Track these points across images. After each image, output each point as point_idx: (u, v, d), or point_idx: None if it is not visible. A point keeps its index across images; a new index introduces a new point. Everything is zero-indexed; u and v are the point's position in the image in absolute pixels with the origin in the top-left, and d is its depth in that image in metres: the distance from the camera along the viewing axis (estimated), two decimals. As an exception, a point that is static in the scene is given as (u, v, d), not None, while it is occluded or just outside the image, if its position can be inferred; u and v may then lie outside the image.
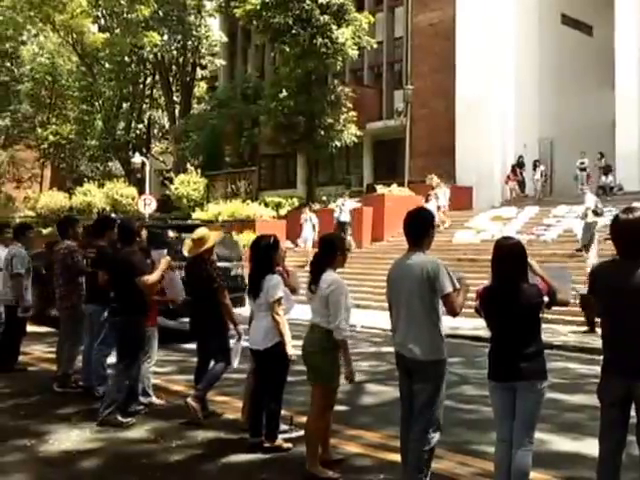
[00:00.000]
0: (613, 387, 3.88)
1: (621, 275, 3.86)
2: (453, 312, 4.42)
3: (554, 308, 4.55)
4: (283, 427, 5.82)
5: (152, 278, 6.47)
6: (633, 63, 23.69)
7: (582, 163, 24.67)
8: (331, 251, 5.12)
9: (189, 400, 6.28)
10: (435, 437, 4.48)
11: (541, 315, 4.32)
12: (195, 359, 6.84)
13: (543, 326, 4.39)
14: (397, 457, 5.09)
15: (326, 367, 5.00)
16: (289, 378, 5.83)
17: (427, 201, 21.20)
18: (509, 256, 4.25)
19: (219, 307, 6.36)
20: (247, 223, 22.20)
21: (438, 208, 21.22)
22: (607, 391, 3.94)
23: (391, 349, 4.79)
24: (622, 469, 3.93)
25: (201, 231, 6.76)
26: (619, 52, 23.95)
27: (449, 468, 5.02)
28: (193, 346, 9.36)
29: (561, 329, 12.64)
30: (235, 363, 6.42)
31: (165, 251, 7.18)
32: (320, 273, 5.02)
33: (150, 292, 6.58)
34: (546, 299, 4.21)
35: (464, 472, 5.13)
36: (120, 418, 6.33)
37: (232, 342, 6.45)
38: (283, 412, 5.86)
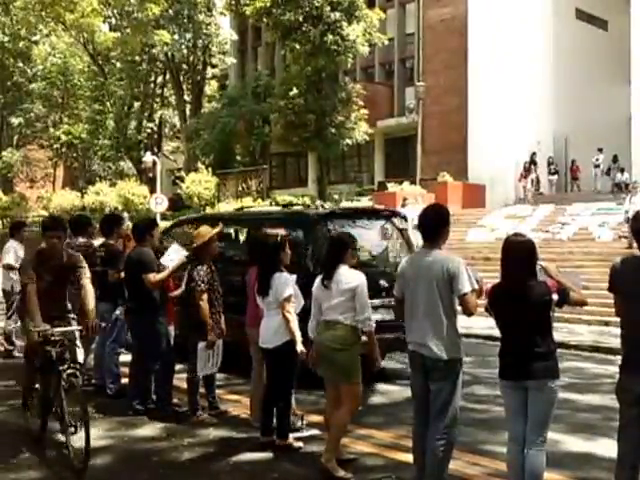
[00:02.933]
0: (632, 386, 3.85)
1: (636, 269, 3.85)
2: (469, 312, 4.41)
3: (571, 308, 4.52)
4: (297, 424, 5.83)
5: (158, 277, 6.53)
6: (649, 58, 23.52)
7: (597, 160, 24.54)
8: (342, 248, 5.14)
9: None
10: (455, 434, 4.52)
11: (555, 314, 4.28)
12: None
13: (559, 325, 4.36)
14: (408, 457, 5.09)
15: (354, 362, 5.04)
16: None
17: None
18: (517, 253, 4.23)
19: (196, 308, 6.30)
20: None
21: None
22: (626, 390, 3.91)
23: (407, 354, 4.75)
24: None
25: (202, 228, 6.76)
26: (635, 47, 23.78)
27: (460, 468, 5.01)
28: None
29: (577, 329, 12.57)
30: (199, 370, 6.35)
31: (182, 248, 7.14)
32: (333, 269, 5.04)
33: (167, 286, 6.67)
34: (555, 297, 4.17)
35: (475, 472, 5.12)
36: (177, 409, 6.59)
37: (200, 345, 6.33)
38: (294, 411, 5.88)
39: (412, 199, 21.56)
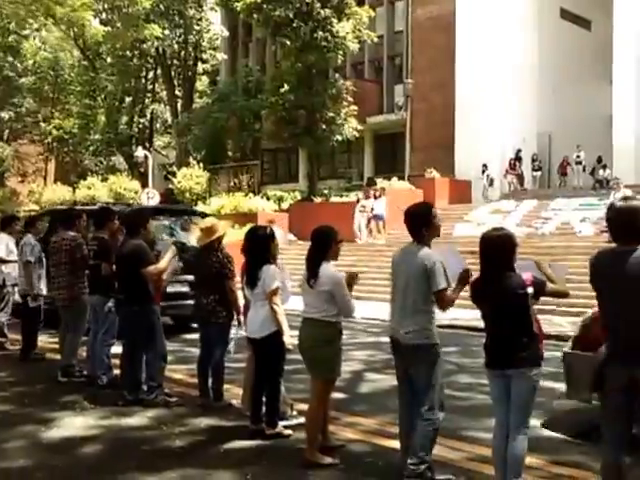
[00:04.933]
0: (615, 375, 3.93)
1: (618, 263, 3.91)
2: (443, 308, 4.62)
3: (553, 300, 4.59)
4: (287, 413, 5.90)
5: (159, 267, 6.62)
6: (631, 58, 23.67)
7: (578, 157, 24.76)
8: (325, 243, 5.13)
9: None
10: (440, 416, 4.62)
11: (534, 306, 4.35)
12: (193, 349, 6.90)
13: (541, 317, 4.44)
14: (394, 443, 5.18)
15: (328, 360, 5.07)
16: (288, 367, 5.89)
17: (367, 198, 21.36)
18: (493, 248, 4.31)
19: (226, 295, 6.41)
20: (249, 216, 22.24)
21: (370, 220, 21.21)
22: (609, 379, 3.99)
23: (388, 339, 4.86)
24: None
25: (210, 220, 6.84)
26: (617, 47, 23.94)
27: (443, 453, 5.08)
28: (190, 336, 9.47)
29: (558, 320, 12.69)
30: (231, 351, 6.51)
31: (172, 240, 7.24)
32: (317, 267, 5.03)
33: (156, 281, 6.72)
34: (530, 290, 4.25)
35: (457, 457, 5.19)
36: (168, 399, 6.64)
37: (232, 331, 6.53)
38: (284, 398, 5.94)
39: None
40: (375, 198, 21.57)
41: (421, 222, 4.72)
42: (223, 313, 6.41)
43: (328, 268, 5.02)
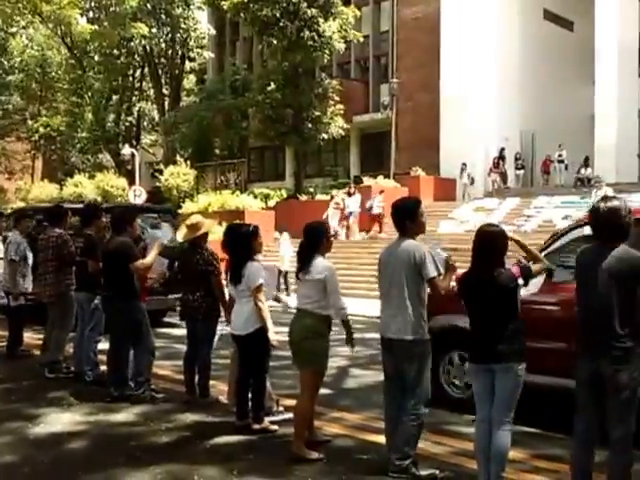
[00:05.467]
0: (584, 367, 3.98)
1: (594, 259, 3.97)
2: (438, 294, 4.66)
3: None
4: (273, 408, 5.90)
5: (146, 262, 6.63)
6: (612, 58, 23.86)
7: (560, 156, 24.91)
8: (317, 238, 5.15)
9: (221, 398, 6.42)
10: (424, 412, 4.65)
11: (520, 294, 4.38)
12: (178, 345, 6.88)
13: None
14: (379, 438, 5.20)
15: (319, 352, 5.06)
16: (274, 363, 5.89)
17: (350, 195, 21.45)
18: (488, 243, 4.32)
19: (212, 292, 6.40)
20: (236, 214, 22.19)
21: (346, 217, 21.19)
22: (579, 371, 4.04)
23: (374, 335, 4.87)
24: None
25: (195, 217, 6.82)
26: (599, 47, 24.12)
27: (426, 447, 5.09)
28: (176, 332, 9.44)
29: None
30: (213, 346, 6.50)
31: (160, 233, 7.24)
32: (309, 260, 5.05)
33: (144, 276, 6.74)
34: (521, 282, 4.29)
35: (441, 451, 5.21)
36: (155, 394, 6.63)
37: (219, 327, 6.51)
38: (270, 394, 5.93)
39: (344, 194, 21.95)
40: (349, 196, 21.63)
41: (405, 215, 4.75)
42: (209, 310, 6.39)
43: (321, 260, 5.06)
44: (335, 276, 5.03)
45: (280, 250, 17.81)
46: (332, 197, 22.29)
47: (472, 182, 25.29)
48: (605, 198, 4.19)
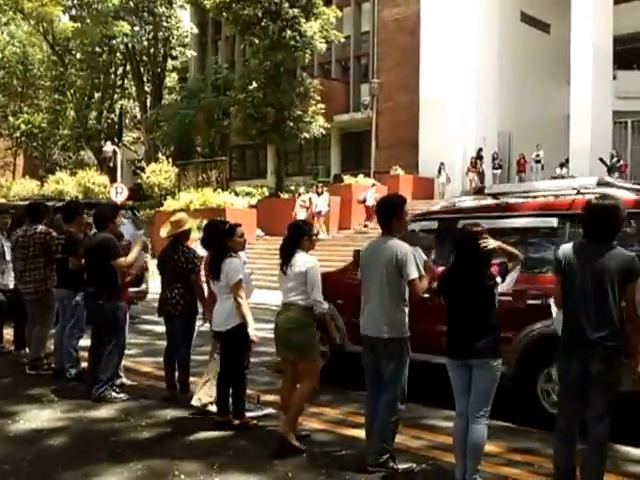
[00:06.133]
0: (572, 366, 4.00)
1: (585, 257, 3.97)
2: (417, 296, 4.65)
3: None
4: (252, 405, 5.90)
5: (128, 259, 6.59)
6: (588, 60, 24.09)
7: (537, 156, 25.09)
8: (299, 235, 5.21)
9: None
10: (401, 409, 4.67)
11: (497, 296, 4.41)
12: (159, 342, 6.84)
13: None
14: (358, 433, 5.23)
15: (310, 342, 5.09)
16: (254, 359, 5.88)
17: (319, 195, 21.41)
18: (470, 242, 4.34)
19: (190, 289, 6.37)
20: (218, 212, 22.11)
21: (314, 216, 21.27)
22: (566, 370, 4.06)
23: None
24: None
25: (179, 215, 6.81)
26: (574, 50, 24.33)
27: (404, 441, 5.11)
28: (157, 328, 9.39)
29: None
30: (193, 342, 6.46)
31: (142, 232, 7.20)
32: (291, 255, 5.12)
33: (126, 273, 6.69)
34: (499, 280, 4.32)
35: (418, 445, 5.24)
36: (115, 394, 6.50)
37: (198, 324, 6.49)
38: (249, 391, 5.92)
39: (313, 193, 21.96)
40: (318, 195, 21.65)
41: (392, 212, 4.75)
42: (187, 307, 6.35)
43: (303, 255, 5.12)
44: (316, 270, 5.07)
45: None
46: (298, 195, 22.36)
47: (449, 181, 25.43)
48: (601, 197, 4.18)
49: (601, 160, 22.28)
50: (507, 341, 4.73)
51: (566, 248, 4.16)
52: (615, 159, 22.48)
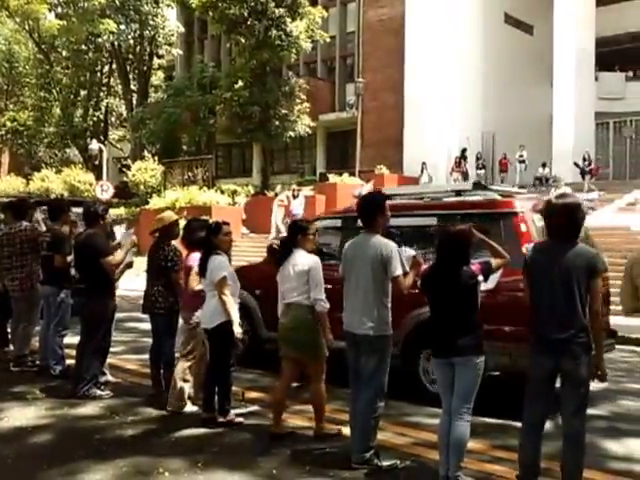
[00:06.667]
0: (543, 363, 4.02)
1: (550, 256, 4.00)
2: (401, 292, 4.65)
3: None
4: (235, 405, 5.87)
5: (117, 258, 6.55)
6: (570, 62, 24.27)
7: (521, 156, 25.23)
8: (296, 233, 5.22)
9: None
10: (381, 406, 4.66)
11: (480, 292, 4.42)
12: (145, 339, 6.80)
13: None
14: (341, 430, 5.22)
15: (317, 340, 5.08)
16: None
17: (294, 197, 21.33)
18: (452, 241, 4.35)
19: (171, 287, 6.33)
20: (203, 209, 22.01)
21: (291, 216, 21.21)
22: (537, 367, 4.08)
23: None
24: (549, 437, 4.08)
25: (165, 212, 6.82)
26: (557, 51, 24.51)
27: (388, 438, 5.12)
28: (143, 326, 9.34)
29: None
30: (178, 342, 6.39)
31: (132, 231, 7.18)
32: (289, 253, 5.14)
33: (114, 271, 6.63)
34: (481, 278, 4.33)
35: (402, 441, 5.25)
36: (99, 392, 6.46)
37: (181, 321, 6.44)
38: (234, 388, 5.90)
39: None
40: (294, 197, 21.63)
41: (376, 209, 4.75)
42: (165, 304, 6.30)
43: (303, 253, 5.12)
44: (318, 269, 5.05)
45: None
46: (276, 194, 22.32)
47: (431, 181, 25.48)
48: (561, 195, 4.21)
49: (575, 164, 22.64)
50: (396, 324, 4.98)
51: (532, 248, 4.21)
52: (586, 162, 22.77)
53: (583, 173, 22.38)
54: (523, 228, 6.06)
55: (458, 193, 6.97)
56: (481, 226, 4.90)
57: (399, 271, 4.56)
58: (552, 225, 4.07)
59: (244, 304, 6.94)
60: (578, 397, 3.95)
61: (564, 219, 4.00)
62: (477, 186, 7.09)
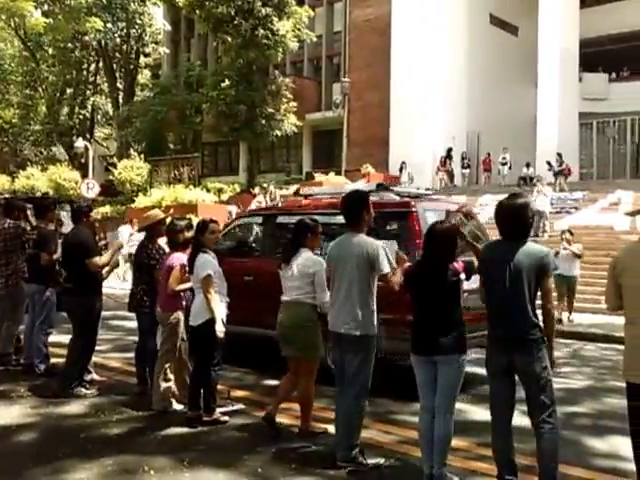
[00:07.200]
0: (498, 360, 4.06)
1: (502, 255, 4.04)
2: (392, 288, 4.66)
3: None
4: (221, 403, 5.85)
5: (103, 260, 6.52)
6: (554, 63, 24.41)
7: (504, 158, 25.36)
8: (304, 232, 5.19)
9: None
10: (365, 404, 4.66)
11: (463, 291, 4.43)
12: (131, 337, 6.76)
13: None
14: (327, 428, 5.21)
15: (316, 340, 5.07)
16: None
17: (272, 200, 21.28)
18: (440, 239, 4.34)
19: (154, 285, 6.27)
20: (189, 208, 21.93)
21: None
22: (491, 363, 4.11)
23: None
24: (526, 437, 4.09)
25: (152, 211, 6.81)
26: (541, 53, 24.65)
27: (373, 436, 5.12)
28: (129, 324, 9.29)
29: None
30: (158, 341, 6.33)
31: (119, 233, 7.13)
32: (294, 252, 5.10)
33: (100, 272, 6.60)
34: (463, 276, 4.33)
35: (387, 439, 5.25)
36: (84, 390, 6.40)
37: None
38: (220, 387, 5.87)
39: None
40: (271, 201, 21.62)
41: (362, 206, 4.74)
42: (151, 302, 6.24)
43: (309, 253, 5.09)
44: (323, 271, 5.01)
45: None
46: (254, 195, 22.31)
47: (412, 180, 25.54)
48: (512, 196, 4.24)
49: (548, 163, 22.82)
50: None
51: (485, 247, 4.26)
52: (557, 163, 23.00)
53: (556, 173, 22.59)
54: (416, 226, 6.63)
55: None
56: (383, 223, 5.49)
57: (388, 268, 4.56)
58: (502, 225, 4.12)
59: None
60: (538, 391, 3.98)
61: (512, 219, 4.05)
62: (380, 187, 7.68)
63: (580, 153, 26.48)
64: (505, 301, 4.03)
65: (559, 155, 23.26)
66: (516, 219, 4.05)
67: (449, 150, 26.27)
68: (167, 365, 5.92)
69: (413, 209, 6.85)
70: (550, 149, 23.73)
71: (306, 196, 8.68)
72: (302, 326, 5.04)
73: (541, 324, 4.00)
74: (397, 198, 7.37)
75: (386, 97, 26.80)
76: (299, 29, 25.88)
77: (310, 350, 5.11)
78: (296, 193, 8.41)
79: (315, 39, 28.27)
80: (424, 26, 25.74)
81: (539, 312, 4.03)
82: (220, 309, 5.43)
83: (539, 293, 4.06)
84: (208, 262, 5.50)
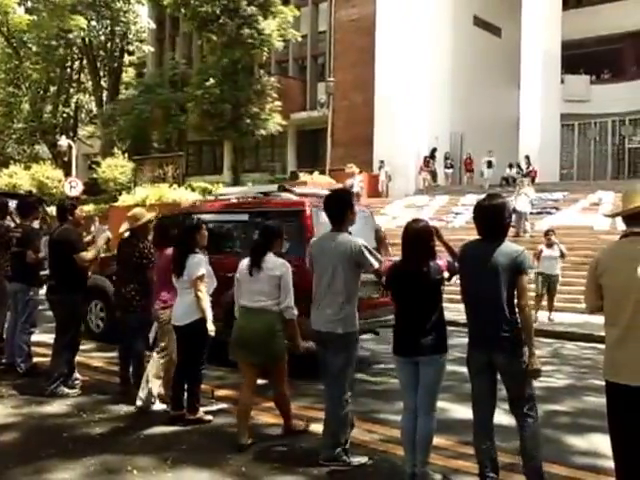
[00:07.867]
0: (478, 358, 4.09)
1: (481, 254, 4.07)
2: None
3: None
4: (204, 402, 5.83)
5: (90, 254, 6.47)
6: (537, 64, 24.58)
7: (489, 162, 25.49)
8: (271, 236, 5.13)
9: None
10: (348, 401, 4.65)
11: (443, 288, 4.44)
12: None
13: (450, 305, 4.54)
14: (310, 427, 5.22)
15: (281, 347, 5.06)
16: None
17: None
18: (415, 238, 4.34)
19: (145, 285, 6.26)
20: (174, 207, 21.83)
21: None
22: (472, 361, 4.14)
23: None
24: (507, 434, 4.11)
25: (135, 210, 6.74)
26: (524, 54, 24.79)
27: (357, 435, 5.11)
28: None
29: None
30: (151, 339, 6.34)
31: (106, 227, 7.10)
32: (261, 256, 5.02)
33: (87, 267, 6.57)
34: (446, 275, 4.35)
35: (370, 438, 5.26)
36: (67, 390, 6.35)
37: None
38: (204, 386, 5.85)
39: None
40: None
41: (346, 205, 4.74)
42: (141, 302, 6.24)
43: (274, 257, 5.04)
44: (290, 275, 4.99)
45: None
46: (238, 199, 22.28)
47: (389, 179, 25.62)
48: (490, 196, 4.27)
49: (518, 166, 23.14)
50: (216, 303, 5.68)
51: (464, 247, 4.28)
52: (526, 165, 23.24)
53: (524, 175, 22.77)
54: (308, 223, 7.39)
55: (266, 194, 8.53)
56: (281, 220, 6.03)
57: (376, 264, 4.59)
58: (479, 225, 4.16)
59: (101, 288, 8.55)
60: (518, 387, 4.03)
61: (489, 219, 4.10)
62: (281, 189, 8.50)
63: (561, 154, 26.68)
64: (482, 300, 4.06)
65: (527, 158, 23.49)
66: (493, 219, 4.09)
67: (433, 150, 26.35)
68: (162, 362, 5.89)
69: (306, 207, 7.55)
70: (532, 150, 23.89)
71: (216, 197, 9.58)
72: (274, 335, 4.99)
73: (519, 322, 4.02)
74: (294, 198, 8.13)
75: (371, 97, 26.83)
76: (284, 28, 25.85)
77: (282, 357, 5.12)
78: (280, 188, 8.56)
79: (300, 39, 28.23)
80: (409, 27, 25.79)
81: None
82: (210, 309, 5.41)
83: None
84: (202, 262, 5.49)
